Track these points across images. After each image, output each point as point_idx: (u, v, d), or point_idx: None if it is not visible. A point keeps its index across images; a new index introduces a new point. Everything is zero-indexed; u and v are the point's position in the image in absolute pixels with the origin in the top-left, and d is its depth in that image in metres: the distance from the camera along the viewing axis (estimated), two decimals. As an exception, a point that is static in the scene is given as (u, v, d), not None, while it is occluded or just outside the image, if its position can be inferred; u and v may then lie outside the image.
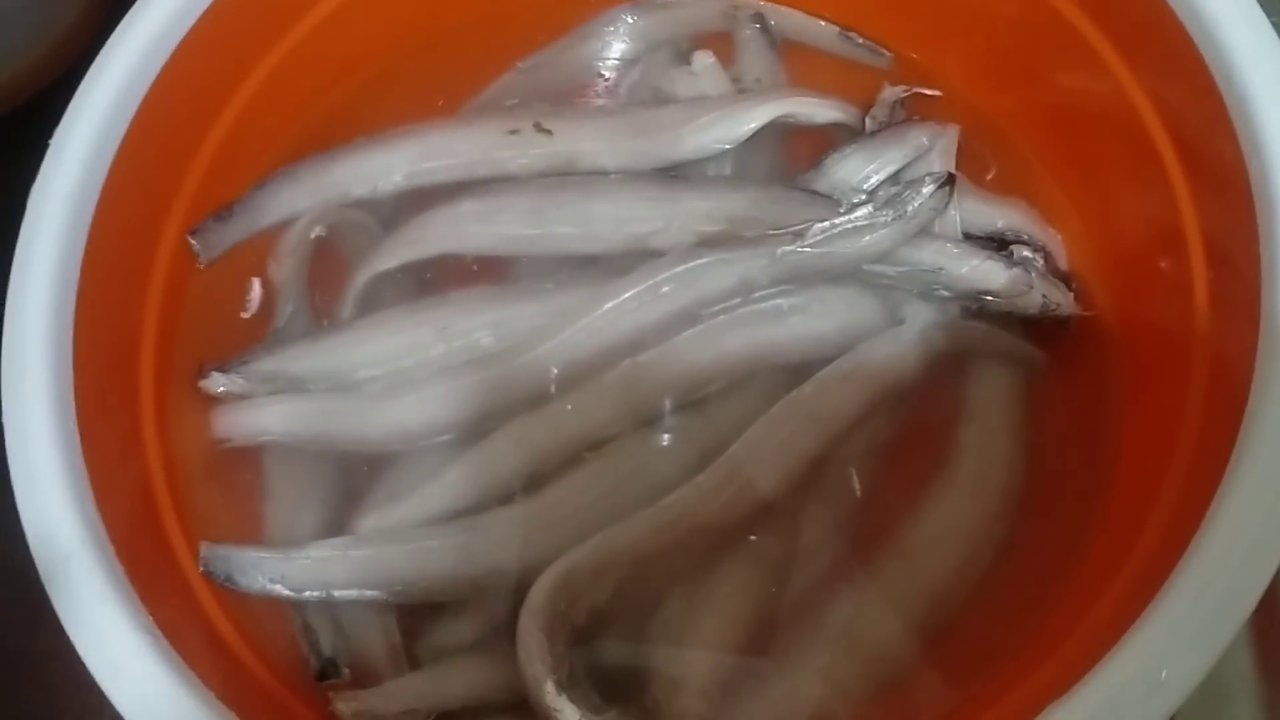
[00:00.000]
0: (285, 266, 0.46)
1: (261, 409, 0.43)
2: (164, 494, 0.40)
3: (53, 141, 0.39)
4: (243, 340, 0.45)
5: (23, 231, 0.38)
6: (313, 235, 0.46)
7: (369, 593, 0.39)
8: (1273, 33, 0.36)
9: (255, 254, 0.46)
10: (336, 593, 0.39)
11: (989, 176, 0.47)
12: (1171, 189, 0.40)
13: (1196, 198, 0.40)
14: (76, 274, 0.38)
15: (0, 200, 0.39)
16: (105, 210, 0.39)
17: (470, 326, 0.44)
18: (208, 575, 0.39)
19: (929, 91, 0.49)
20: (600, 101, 0.51)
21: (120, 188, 0.40)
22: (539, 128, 0.47)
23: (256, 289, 0.46)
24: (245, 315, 0.46)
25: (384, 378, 0.43)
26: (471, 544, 0.40)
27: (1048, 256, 0.45)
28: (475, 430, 0.42)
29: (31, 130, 0.40)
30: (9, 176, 0.39)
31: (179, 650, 0.33)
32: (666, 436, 0.42)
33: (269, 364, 0.43)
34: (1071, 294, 0.44)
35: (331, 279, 0.46)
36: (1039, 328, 0.44)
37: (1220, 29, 0.37)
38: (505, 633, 0.38)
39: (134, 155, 0.40)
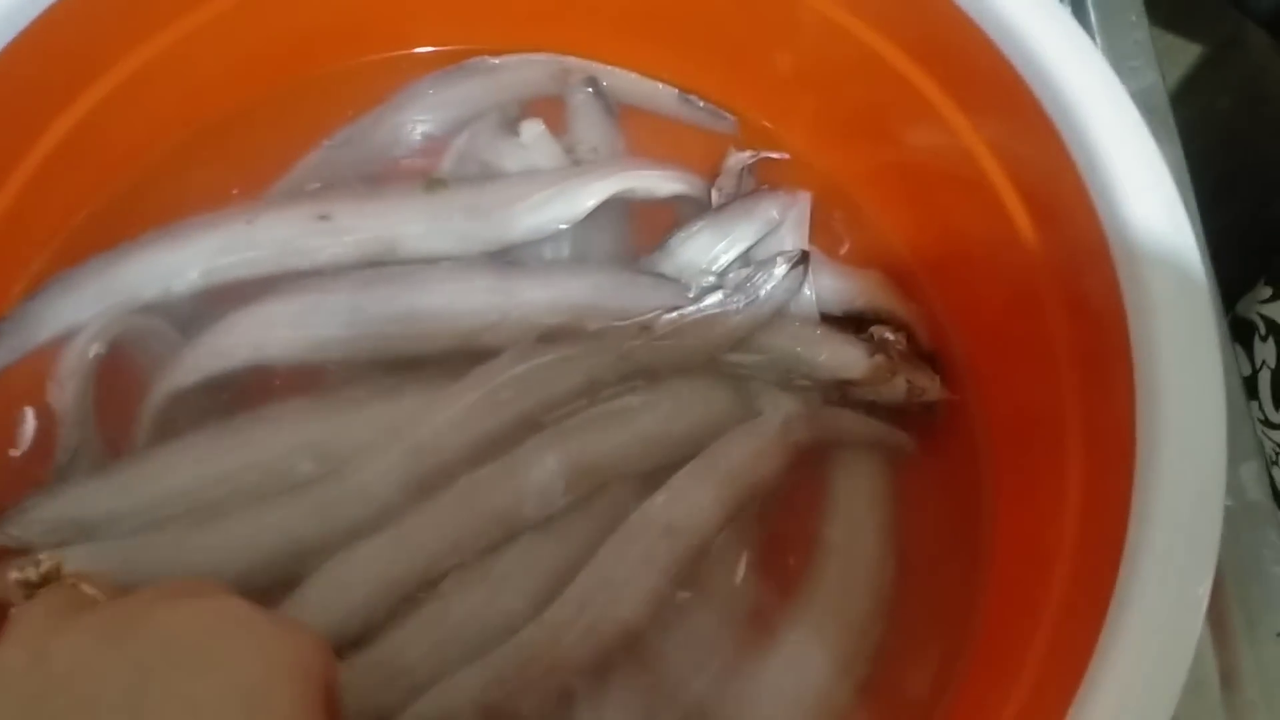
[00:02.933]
0: (66, 390, 0.40)
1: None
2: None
3: None
4: (16, 483, 0.39)
5: None
6: (93, 352, 0.41)
7: None
8: (1109, 70, 0.35)
9: (28, 378, 0.40)
10: None
11: (842, 250, 0.45)
12: (1025, 248, 0.38)
13: (1051, 255, 0.38)
14: None
15: None
16: None
17: (287, 448, 0.39)
18: None
19: (776, 155, 0.46)
20: (422, 177, 0.46)
21: None
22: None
23: (30, 420, 0.40)
24: (15, 453, 0.40)
25: (192, 514, 0.38)
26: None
27: (910, 336, 0.42)
28: (297, 569, 0.37)
29: None
30: None
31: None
32: (511, 565, 0.38)
33: (51, 510, 0.38)
34: (938, 377, 0.41)
35: (123, 400, 0.40)
36: (905, 413, 0.41)
37: (1055, 72, 0.35)
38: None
39: None
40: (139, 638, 0.25)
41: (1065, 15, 0.36)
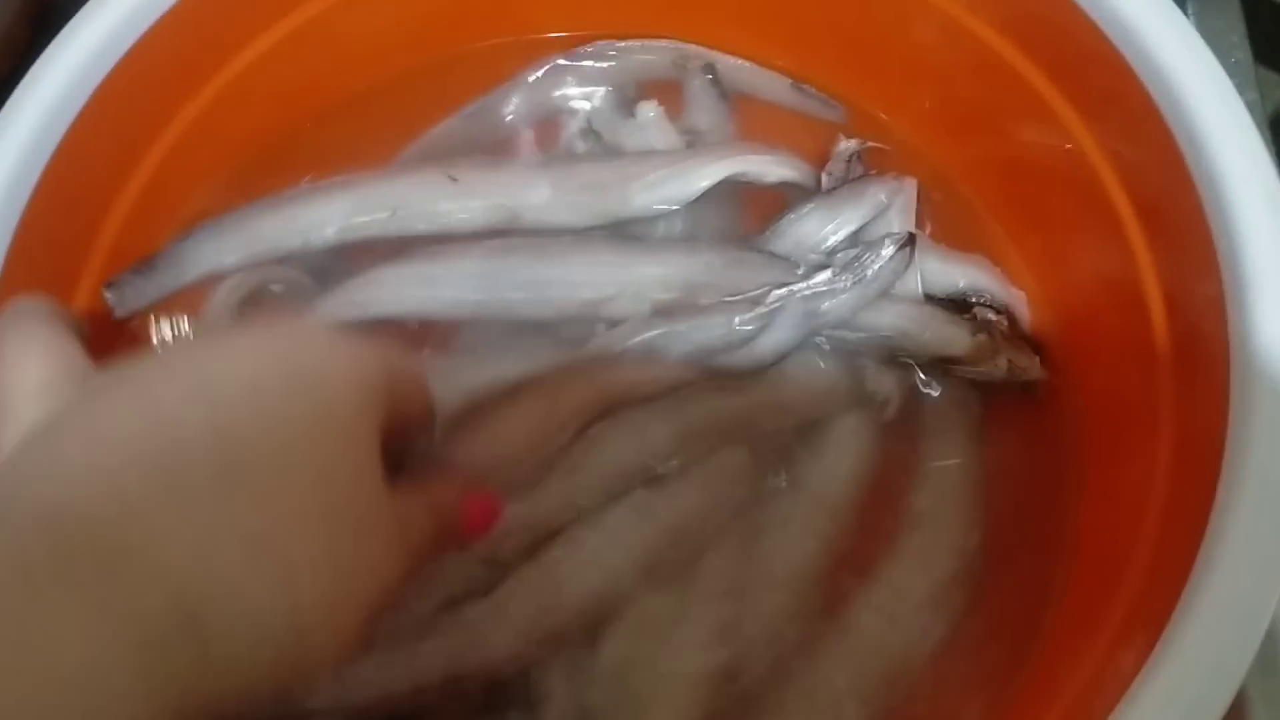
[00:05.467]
0: (211, 329, 0.43)
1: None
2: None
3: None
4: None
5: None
6: (237, 296, 0.44)
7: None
8: (1238, 100, 0.36)
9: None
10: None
11: (947, 238, 0.46)
12: (1131, 251, 0.40)
13: (1158, 260, 0.39)
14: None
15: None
16: (13, 262, 0.37)
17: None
18: None
19: (883, 145, 0.48)
20: (546, 151, 0.49)
21: (31, 236, 0.37)
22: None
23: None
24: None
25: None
26: (457, 643, 0.37)
27: (1011, 318, 0.44)
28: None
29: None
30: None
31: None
32: (626, 515, 0.40)
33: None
34: (1037, 357, 0.43)
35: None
36: (1002, 391, 0.43)
37: (1185, 93, 0.36)
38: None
39: (47, 201, 0.38)
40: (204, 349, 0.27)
41: (1186, 24, 0.37)
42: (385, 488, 0.27)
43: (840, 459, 0.42)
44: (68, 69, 0.38)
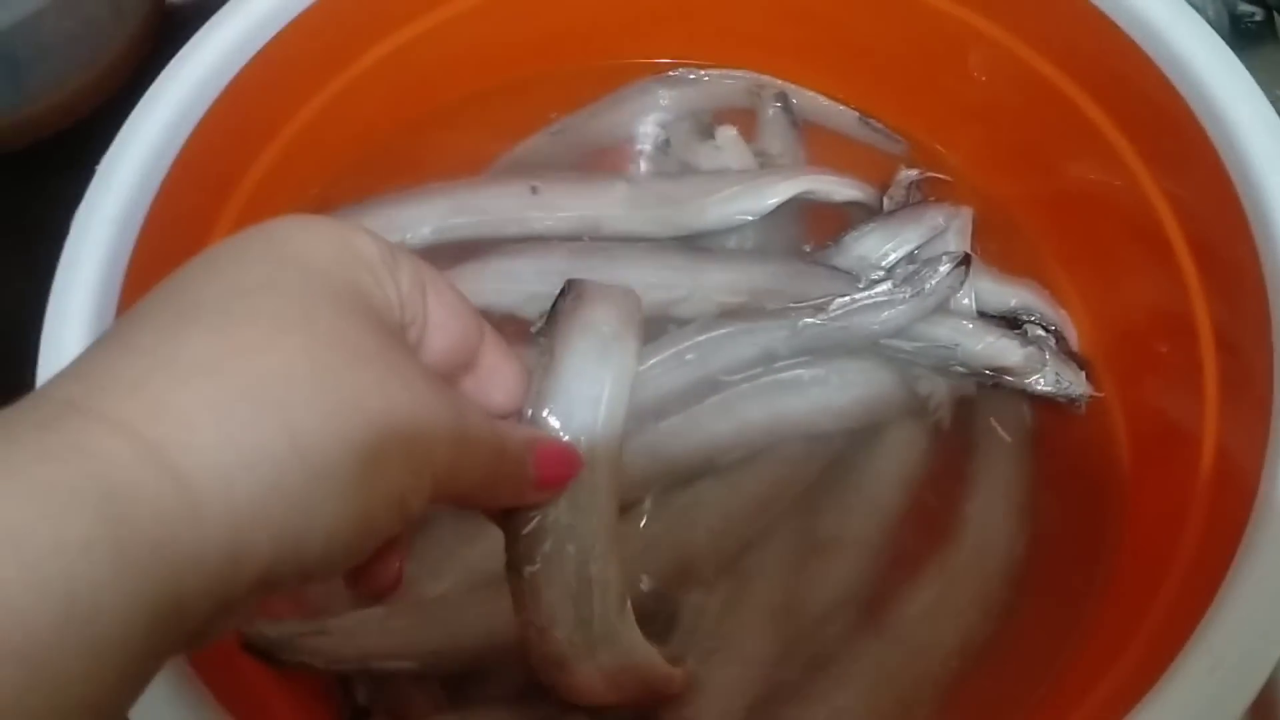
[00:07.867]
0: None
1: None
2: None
3: (99, 167, 0.39)
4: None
5: (64, 256, 0.38)
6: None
7: (404, 664, 0.39)
8: None
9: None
10: (372, 664, 0.39)
11: (1000, 263, 0.48)
12: (1183, 282, 0.42)
13: (1208, 291, 0.41)
14: (116, 298, 0.38)
15: (43, 218, 0.39)
16: (145, 239, 0.39)
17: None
18: (248, 651, 0.38)
19: (942, 176, 0.50)
20: (627, 168, 0.52)
21: (161, 219, 0.40)
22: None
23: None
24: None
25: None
26: (505, 611, 0.39)
27: (1060, 337, 0.46)
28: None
29: (76, 153, 0.40)
30: (53, 196, 0.39)
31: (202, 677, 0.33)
32: (689, 502, 0.42)
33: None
34: (1084, 374, 0.45)
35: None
36: (1050, 406, 0.45)
37: (1239, 132, 0.38)
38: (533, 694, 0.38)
39: (175, 187, 0.40)
40: None
41: (1241, 68, 0.39)
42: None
43: (893, 463, 0.44)
44: (196, 71, 0.42)
